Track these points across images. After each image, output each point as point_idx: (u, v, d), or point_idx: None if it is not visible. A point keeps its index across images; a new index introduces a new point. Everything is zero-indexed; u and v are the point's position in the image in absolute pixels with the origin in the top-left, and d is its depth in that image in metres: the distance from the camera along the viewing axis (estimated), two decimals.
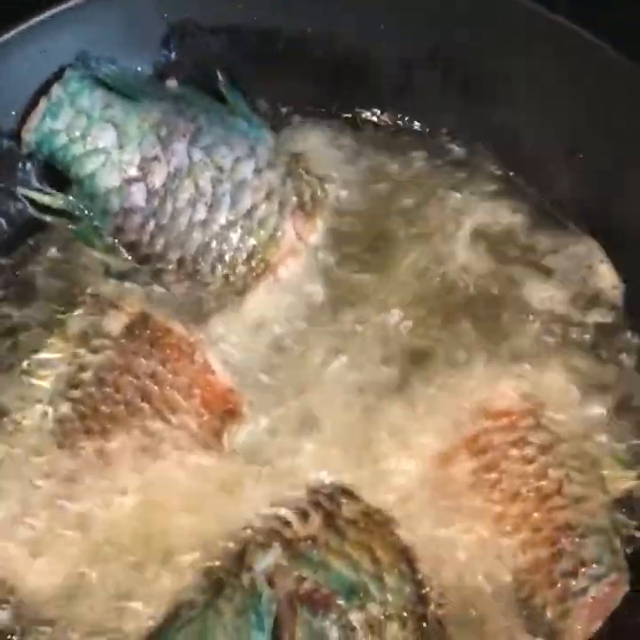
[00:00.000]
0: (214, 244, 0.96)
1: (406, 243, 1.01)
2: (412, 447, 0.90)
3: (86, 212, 0.97)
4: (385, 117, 1.08)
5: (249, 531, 0.85)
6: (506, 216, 1.03)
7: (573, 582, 0.82)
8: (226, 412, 0.91)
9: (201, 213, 0.96)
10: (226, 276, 0.96)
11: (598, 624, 0.83)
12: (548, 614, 0.82)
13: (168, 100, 0.99)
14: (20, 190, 0.99)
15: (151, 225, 0.96)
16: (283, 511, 0.85)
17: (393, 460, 0.89)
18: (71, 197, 0.98)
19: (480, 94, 1.03)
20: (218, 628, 0.79)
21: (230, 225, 0.96)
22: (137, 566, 0.85)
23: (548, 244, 1.01)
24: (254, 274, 0.97)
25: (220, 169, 0.96)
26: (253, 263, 0.97)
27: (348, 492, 0.87)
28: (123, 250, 0.98)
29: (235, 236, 0.96)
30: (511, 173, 1.06)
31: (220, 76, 1.02)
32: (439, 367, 0.94)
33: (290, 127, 1.06)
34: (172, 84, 1.02)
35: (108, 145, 0.96)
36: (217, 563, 0.84)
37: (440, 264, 1.00)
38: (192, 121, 0.98)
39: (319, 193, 1.00)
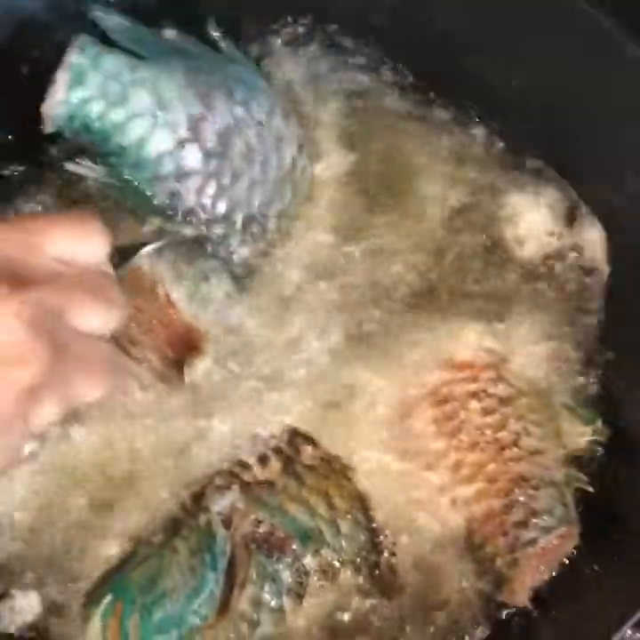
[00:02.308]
0: (274, 200, 0.93)
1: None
2: (374, 395, 0.90)
3: (132, 181, 0.90)
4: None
5: (208, 472, 0.86)
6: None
7: (524, 533, 0.84)
8: (188, 347, 0.91)
9: (257, 172, 0.91)
10: (288, 229, 0.95)
11: (546, 575, 0.85)
12: (497, 563, 0.84)
13: (179, 55, 0.92)
14: (66, 165, 0.91)
15: (212, 187, 0.89)
16: (243, 455, 0.86)
17: (355, 407, 0.90)
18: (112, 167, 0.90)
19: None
20: (173, 566, 0.81)
21: (283, 181, 0.93)
22: (94, 503, 0.86)
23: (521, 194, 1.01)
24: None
25: (260, 123, 0.91)
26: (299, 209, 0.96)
27: (308, 439, 0.87)
28: (179, 218, 0.91)
29: (287, 191, 0.94)
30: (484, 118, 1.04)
31: (211, 27, 0.95)
32: (405, 318, 0.94)
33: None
34: (170, 34, 0.94)
35: (149, 107, 0.87)
36: (175, 503, 0.85)
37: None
38: (217, 76, 0.92)
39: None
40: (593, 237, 0.98)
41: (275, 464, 0.85)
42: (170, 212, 0.90)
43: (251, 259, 0.95)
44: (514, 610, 0.84)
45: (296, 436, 0.87)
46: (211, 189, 0.90)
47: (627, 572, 0.82)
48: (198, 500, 0.84)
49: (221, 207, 0.90)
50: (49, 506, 0.86)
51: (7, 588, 0.83)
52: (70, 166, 0.91)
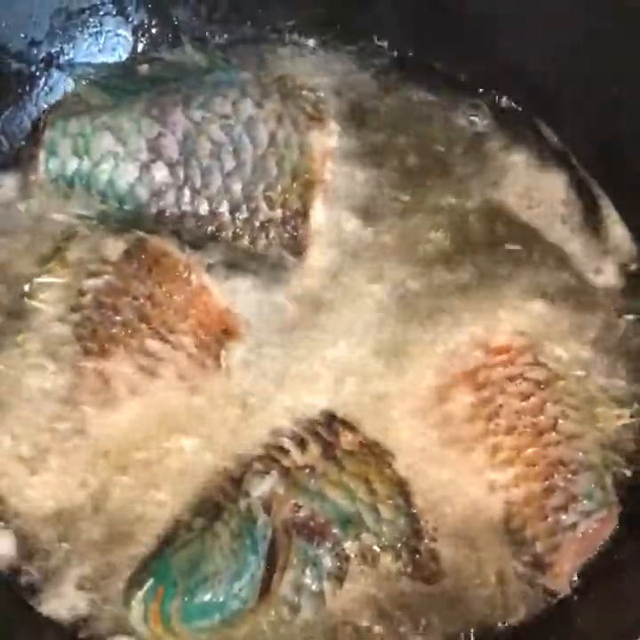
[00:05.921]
0: (257, 181, 0.97)
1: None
2: (412, 380, 0.90)
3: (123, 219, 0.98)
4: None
5: (248, 457, 0.86)
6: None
7: (564, 517, 0.84)
8: (222, 332, 0.92)
9: (229, 162, 0.97)
10: (283, 203, 0.97)
11: (586, 558, 0.85)
12: (538, 547, 0.84)
13: (146, 86, 1.03)
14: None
15: (187, 193, 0.97)
16: (282, 440, 0.86)
17: (393, 391, 0.90)
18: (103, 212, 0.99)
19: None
20: (214, 550, 0.81)
21: (262, 158, 0.98)
22: (135, 488, 0.86)
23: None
24: (307, 189, 0.98)
25: (225, 116, 0.98)
26: (301, 180, 0.98)
27: (347, 424, 0.88)
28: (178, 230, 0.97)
29: (271, 166, 0.98)
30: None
31: (185, 42, 1.08)
32: (442, 301, 0.94)
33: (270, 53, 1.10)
34: (143, 69, 1.07)
35: (111, 147, 0.97)
36: (215, 487, 0.85)
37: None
38: (177, 92, 1.00)
39: (318, 100, 1.03)
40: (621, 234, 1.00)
41: (314, 449, 0.85)
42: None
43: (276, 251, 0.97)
44: (553, 593, 0.84)
45: (335, 422, 0.87)
46: (187, 196, 0.97)
47: None
48: (238, 484, 0.84)
49: (203, 208, 0.97)
50: (88, 491, 0.86)
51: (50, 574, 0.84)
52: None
